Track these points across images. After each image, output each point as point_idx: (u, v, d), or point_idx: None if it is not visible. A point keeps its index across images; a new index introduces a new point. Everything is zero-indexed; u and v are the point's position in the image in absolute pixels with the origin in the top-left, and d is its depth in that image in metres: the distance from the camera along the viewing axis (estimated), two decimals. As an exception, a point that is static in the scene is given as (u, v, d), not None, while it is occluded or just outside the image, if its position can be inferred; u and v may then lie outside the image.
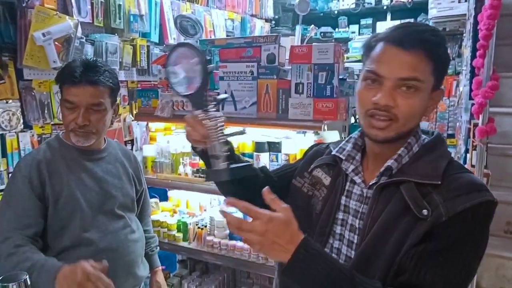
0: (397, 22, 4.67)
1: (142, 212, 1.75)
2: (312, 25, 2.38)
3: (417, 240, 0.81)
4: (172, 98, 2.07)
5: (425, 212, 0.81)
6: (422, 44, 0.83)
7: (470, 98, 3.07)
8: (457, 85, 5.35)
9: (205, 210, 2.38)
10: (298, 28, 2.37)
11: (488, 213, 0.83)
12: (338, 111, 1.76)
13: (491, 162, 2.76)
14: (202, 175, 1.85)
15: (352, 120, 2.14)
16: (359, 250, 0.89)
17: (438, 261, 0.80)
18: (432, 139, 0.93)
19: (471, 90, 2.90)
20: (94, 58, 1.50)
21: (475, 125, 2.44)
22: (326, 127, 1.78)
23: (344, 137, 2.12)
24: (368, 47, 0.90)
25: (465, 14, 3.85)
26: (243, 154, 2.03)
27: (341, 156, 0.98)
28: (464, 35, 4.79)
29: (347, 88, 1.94)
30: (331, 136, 2.05)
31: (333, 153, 1.01)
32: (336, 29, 4.89)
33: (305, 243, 0.78)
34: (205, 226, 2.20)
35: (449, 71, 5.52)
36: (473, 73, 3.05)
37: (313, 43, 1.78)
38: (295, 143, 1.94)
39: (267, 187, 0.81)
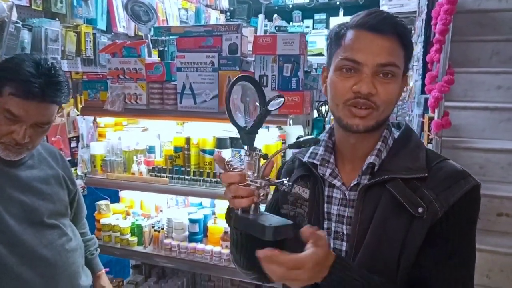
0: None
1: (76, 215, 1.55)
2: (276, 15, 2.29)
3: (421, 241, 0.79)
4: (123, 90, 1.90)
5: (420, 209, 0.79)
6: (395, 29, 0.81)
7: (422, 93, 3.17)
8: (405, 81, 5.57)
9: (161, 211, 2.22)
10: (261, 17, 2.27)
11: (477, 197, 0.83)
12: (304, 104, 1.69)
13: (443, 154, 2.86)
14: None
15: (315, 114, 2.09)
16: (359, 256, 0.83)
17: (454, 263, 0.80)
18: (404, 131, 0.90)
19: (423, 85, 2.99)
20: (51, 62, 1.20)
21: (430, 118, 2.50)
22: (291, 122, 1.70)
23: (308, 132, 2.08)
24: (336, 36, 0.85)
25: (415, 11, 3.97)
26: (204, 151, 1.91)
27: (315, 161, 0.91)
28: (413, 32, 4.97)
29: (311, 81, 1.88)
30: (295, 131, 1.98)
31: (305, 160, 0.93)
32: (291, 23, 4.87)
33: (339, 260, 0.76)
34: (162, 229, 2.05)
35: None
36: (425, 69, 3.15)
37: (277, 34, 1.69)
38: (258, 139, 1.84)
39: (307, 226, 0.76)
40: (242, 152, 0.84)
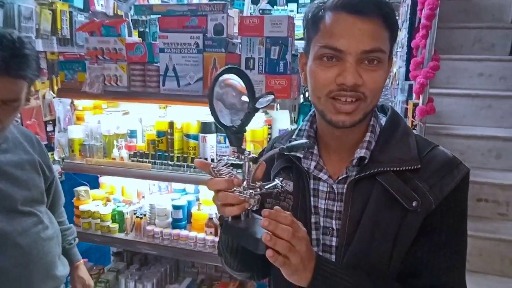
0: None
1: (54, 203, 1.49)
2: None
3: (415, 233, 0.76)
4: (103, 72, 1.81)
5: (414, 203, 0.75)
6: (379, 9, 0.72)
7: (406, 79, 3.18)
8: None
9: (143, 197, 2.17)
10: (248, -3, 2.20)
11: (468, 183, 0.80)
12: (291, 89, 1.65)
13: (426, 141, 2.89)
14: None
15: (301, 99, 2.06)
16: (350, 252, 0.80)
17: (447, 254, 0.78)
18: (391, 117, 0.85)
19: (407, 72, 3.00)
20: (17, 36, 1.12)
21: (414, 105, 2.51)
22: (278, 106, 1.67)
23: (294, 117, 2.05)
24: (314, 18, 0.76)
25: (399, -2, 3.95)
26: (188, 136, 1.85)
27: (298, 154, 0.85)
28: (398, 18, 4.96)
29: (298, 65, 1.84)
30: (281, 116, 1.95)
31: (287, 153, 0.85)
32: (275, 7, 4.78)
33: (321, 259, 0.74)
34: (145, 215, 2.00)
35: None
36: (409, 55, 3.15)
37: (265, 15, 1.64)
38: (244, 123, 1.80)
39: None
40: (228, 156, 0.78)
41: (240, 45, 1.66)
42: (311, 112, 0.90)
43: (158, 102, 1.91)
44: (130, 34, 1.92)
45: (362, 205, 0.79)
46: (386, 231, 0.77)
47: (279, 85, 1.62)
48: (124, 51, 1.78)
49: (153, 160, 1.86)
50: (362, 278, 0.76)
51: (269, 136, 1.90)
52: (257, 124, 1.80)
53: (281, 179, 0.77)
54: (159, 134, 1.89)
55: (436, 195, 0.76)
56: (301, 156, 0.85)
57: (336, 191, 0.82)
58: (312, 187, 0.85)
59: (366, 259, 0.78)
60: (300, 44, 2.68)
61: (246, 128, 0.76)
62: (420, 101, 2.33)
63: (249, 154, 0.75)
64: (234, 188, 0.73)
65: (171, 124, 1.87)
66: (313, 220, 0.84)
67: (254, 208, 0.74)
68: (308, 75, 0.80)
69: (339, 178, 0.82)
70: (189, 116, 1.87)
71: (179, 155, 1.85)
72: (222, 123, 0.75)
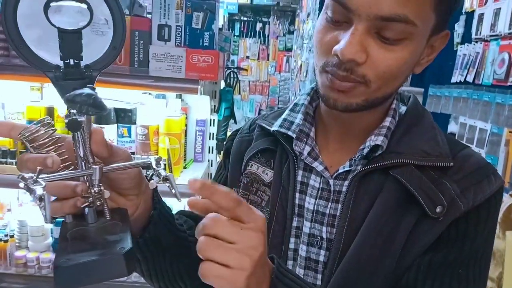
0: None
1: None
2: None
3: (427, 246, 0.57)
4: None
5: (439, 209, 0.56)
6: None
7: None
8: (287, 61, 5.61)
9: (9, 210, 1.62)
10: None
11: (502, 199, 0.64)
12: (219, 68, 1.32)
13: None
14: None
15: (223, 84, 1.73)
16: (342, 267, 0.58)
17: (463, 277, 0.57)
18: (414, 105, 0.65)
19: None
20: None
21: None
22: (202, 90, 1.32)
23: (215, 106, 1.71)
24: None
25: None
26: (76, 127, 1.38)
27: (289, 133, 0.64)
28: (298, 11, 4.95)
29: (222, 41, 1.51)
30: (199, 103, 1.60)
31: (274, 129, 0.66)
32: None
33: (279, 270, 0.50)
34: (12, 236, 1.48)
35: (280, 47, 5.71)
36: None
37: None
38: (155, 111, 1.40)
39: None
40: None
41: (151, 8, 1.28)
42: (312, 85, 0.69)
43: (30, 80, 1.39)
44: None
45: (366, 208, 0.60)
46: (391, 242, 0.57)
47: (204, 62, 1.28)
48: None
49: (23, 161, 1.35)
50: None
51: (186, 128, 1.54)
52: (173, 113, 1.42)
53: (156, 157, 0.49)
54: (33, 124, 1.38)
55: (468, 200, 0.57)
56: (294, 136, 0.64)
57: (333, 189, 0.63)
58: (300, 179, 0.65)
59: (361, 276, 0.58)
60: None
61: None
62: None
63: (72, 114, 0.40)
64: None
65: (50, 111, 1.38)
66: (294, 224, 0.65)
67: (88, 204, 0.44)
68: (313, 37, 0.58)
69: (338, 172, 0.63)
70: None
71: (63, 153, 1.37)
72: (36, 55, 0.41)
